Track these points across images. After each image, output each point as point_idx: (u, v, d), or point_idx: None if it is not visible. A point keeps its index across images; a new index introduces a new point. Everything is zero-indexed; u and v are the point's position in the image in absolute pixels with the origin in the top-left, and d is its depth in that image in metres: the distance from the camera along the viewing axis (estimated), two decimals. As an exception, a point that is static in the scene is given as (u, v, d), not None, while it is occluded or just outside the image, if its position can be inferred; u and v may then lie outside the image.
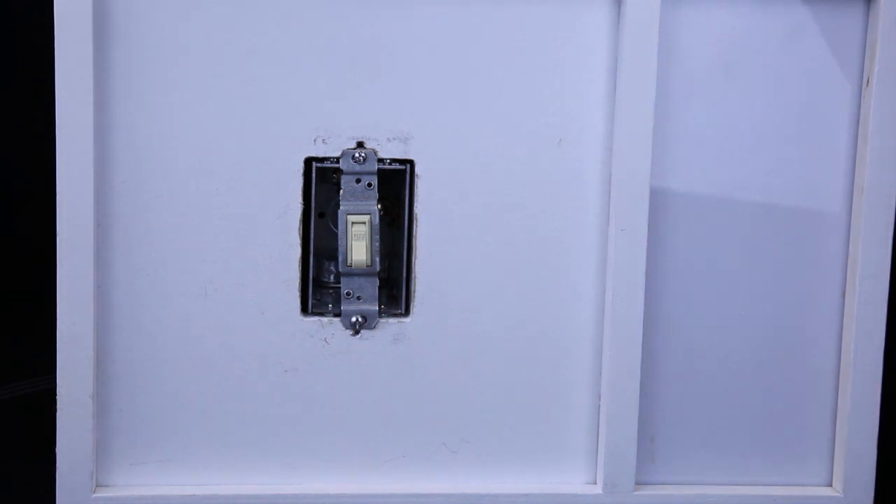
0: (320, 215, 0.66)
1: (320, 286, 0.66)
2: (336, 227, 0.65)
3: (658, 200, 0.66)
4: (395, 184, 0.66)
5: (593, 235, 0.66)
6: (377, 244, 0.64)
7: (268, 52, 0.63)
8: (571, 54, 0.65)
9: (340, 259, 0.65)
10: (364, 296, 0.65)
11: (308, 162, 0.64)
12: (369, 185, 0.65)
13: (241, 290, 0.64)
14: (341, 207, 0.64)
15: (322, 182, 0.65)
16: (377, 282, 0.65)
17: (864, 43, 0.66)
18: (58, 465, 0.63)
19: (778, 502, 0.68)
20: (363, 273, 0.65)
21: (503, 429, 0.67)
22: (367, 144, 0.64)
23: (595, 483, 0.68)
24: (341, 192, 0.65)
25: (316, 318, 0.65)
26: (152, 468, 0.65)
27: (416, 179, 0.65)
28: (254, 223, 0.64)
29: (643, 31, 0.63)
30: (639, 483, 0.68)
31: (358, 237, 0.64)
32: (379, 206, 0.65)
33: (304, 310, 0.65)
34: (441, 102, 0.64)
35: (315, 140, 0.64)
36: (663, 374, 0.68)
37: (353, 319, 0.65)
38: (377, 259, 0.65)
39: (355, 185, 0.65)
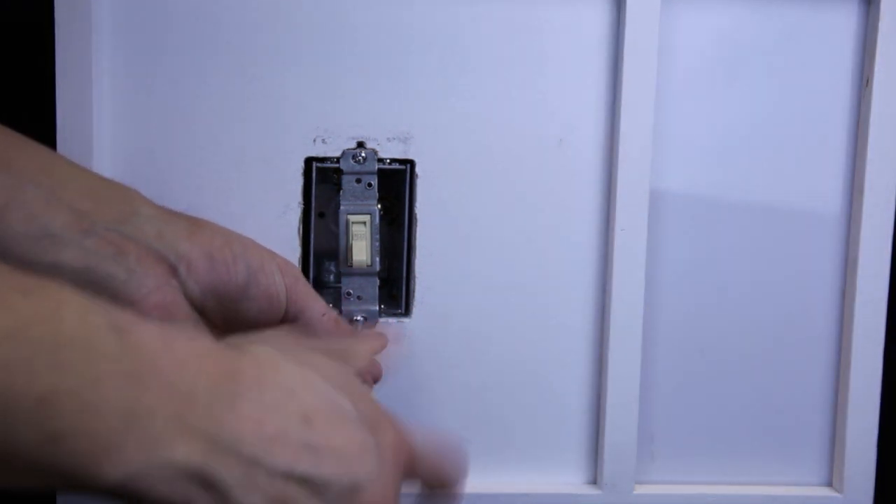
0: (320, 215, 0.66)
1: (320, 286, 0.66)
2: (336, 227, 0.65)
3: (658, 200, 0.66)
4: (395, 184, 0.66)
5: (593, 235, 0.66)
6: (377, 244, 0.64)
7: (267, 51, 0.63)
8: (571, 54, 0.65)
9: (340, 259, 0.65)
10: (364, 296, 0.65)
11: (308, 162, 0.64)
12: (369, 185, 0.65)
13: (241, 289, 0.64)
14: (341, 207, 0.64)
15: (322, 182, 0.65)
16: (377, 282, 0.65)
17: (864, 42, 0.66)
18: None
19: (778, 502, 0.68)
20: (363, 273, 0.65)
21: (503, 428, 0.67)
22: (367, 144, 0.64)
23: (595, 483, 0.68)
24: (341, 191, 0.65)
25: (316, 318, 0.65)
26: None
27: (415, 179, 0.65)
28: (254, 223, 0.64)
29: (643, 31, 0.63)
30: (639, 482, 0.68)
31: (358, 237, 0.64)
32: (379, 206, 0.65)
33: (305, 310, 0.65)
34: (441, 102, 0.64)
35: (315, 140, 0.64)
36: (663, 373, 0.68)
37: (354, 319, 0.65)
38: (377, 259, 0.65)
39: (355, 184, 0.65)
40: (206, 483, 0.39)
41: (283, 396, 0.43)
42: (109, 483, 0.37)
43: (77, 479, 0.37)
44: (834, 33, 0.66)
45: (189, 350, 0.41)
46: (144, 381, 0.38)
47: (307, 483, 0.42)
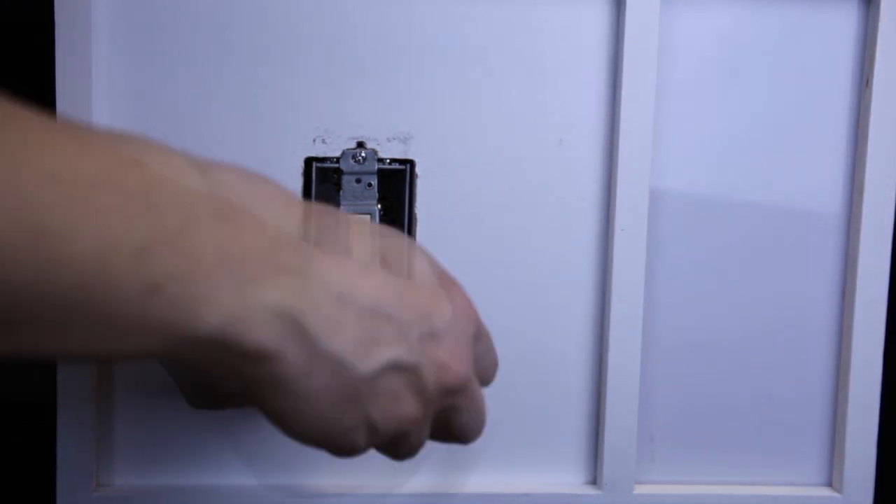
0: (320, 215, 0.66)
1: (320, 286, 0.66)
2: (336, 227, 0.65)
3: (658, 200, 0.66)
4: (395, 184, 0.66)
5: (593, 235, 0.66)
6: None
7: (267, 52, 0.63)
8: (571, 54, 0.65)
9: (340, 259, 0.64)
10: (364, 296, 0.65)
11: (308, 162, 0.64)
12: (369, 185, 0.65)
13: (241, 289, 0.64)
14: (341, 207, 0.64)
15: (322, 182, 0.65)
16: (377, 282, 0.65)
17: (864, 42, 0.66)
18: (58, 464, 0.63)
19: (778, 502, 0.68)
20: (363, 273, 0.65)
21: (502, 428, 0.67)
22: (367, 144, 0.64)
23: (595, 483, 0.68)
24: (341, 192, 0.65)
25: (316, 318, 0.65)
26: (153, 467, 0.65)
27: (415, 179, 0.65)
28: (254, 223, 0.64)
29: (643, 31, 0.63)
30: (638, 482, 0.68)
31: (358, 237, 0.64)
32: (379, 206, 0.65)
33: (304, 310, 0.65)
34: (441, 102, 0.64)
35: (315, 140, 0.64)
36: (663, 373, 0.68)
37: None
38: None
39: (355, 185, 0.65)
40: (297, 328, 0.38)
41: (360, 236, 0.43)
42: (207, 331, 0.36)
43: (174, 333, 0.36)
44: (834, 33, 0.66)
45: (269, 190, 0.40)
46: (236, 219, 0.37)
47: (392, 321, 0.41)
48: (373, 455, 0.67)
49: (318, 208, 0.43)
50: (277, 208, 0.40)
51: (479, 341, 0.48)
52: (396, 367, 0.41)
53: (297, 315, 0.38)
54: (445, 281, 0.47)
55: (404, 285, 0.43)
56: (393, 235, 0.45)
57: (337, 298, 0.39)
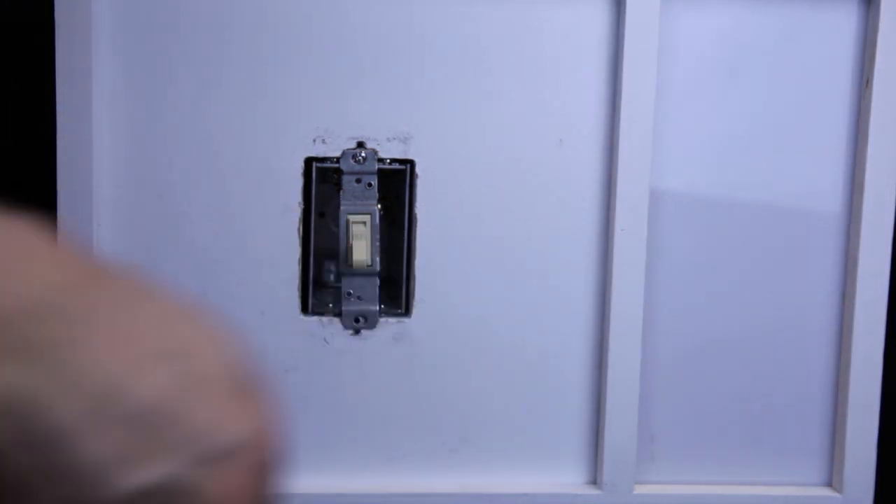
0: (320, 215, 0.66)
1: (320, 286, 0.66)
2: (336, 227, 0.65)
3: (658, 200, 0.66)
4: (395, 184, 0.66)
5: (593, 235, 0.66)
6: (377, 244, 0.64)
7: (267, 52, 0.63)
8: (571, 54, 0.65)
9: (340, 259, 0.65)
10: (364, 296, 0.65)
11: (308, 162, 0.64)
12: (369, 185, 0.65)
13: (241, 289, 0.64)
14: (342, 207, 0.64)
15: (322, 182, 0.65)
16: (377, 282, 0.65)
17: (864, 42, 0.66)
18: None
19: (778, 502, 0.68)
20: (363, 273, 0.65)
21: (503, 428, 0.67)
22: (367, 144, 0.64)
23: (595, 483, 0.68)
24: (341, 191, 0.65)
25: (316, 318, 0.65)
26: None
27: (415, 179, 0.65)
28: (254, 223, 0.64)
29: (643, 31, 0.63)
30: (639, 482, 0.68)
31: (358, 237, 0.64)
32: (379, 206, 0.65)
33: (305, 309, 0.65)
34: (441, 102, 0.64)
35: (315, 140, 0.64)
36: (663, 373, 0.68)
37: (354, 319, 0.65)
38: (377, 259, 0.65)
39: (355, 184, 0.65)
40: (26, 428, 0.29)
41: (154, 315, 0.32)
42: None
43: None
44: (834, 33, 0.66)
45: (29, 243, 0.31)
46: None
47: (164, 433, 0.31)
48: (373, 457, 0.67)
49: (109, 273, 0.32)
50: (42, 267, 0.30)
51: (268, 477, 0.37)
52: (160, 494, 0.31)
53: (29, 411, 0.29)
54: (250, 389, 0.35)
55: (191, 389, 0.32)
56: (202, 322, 0.34)
57: (95, 395, 0.30)
